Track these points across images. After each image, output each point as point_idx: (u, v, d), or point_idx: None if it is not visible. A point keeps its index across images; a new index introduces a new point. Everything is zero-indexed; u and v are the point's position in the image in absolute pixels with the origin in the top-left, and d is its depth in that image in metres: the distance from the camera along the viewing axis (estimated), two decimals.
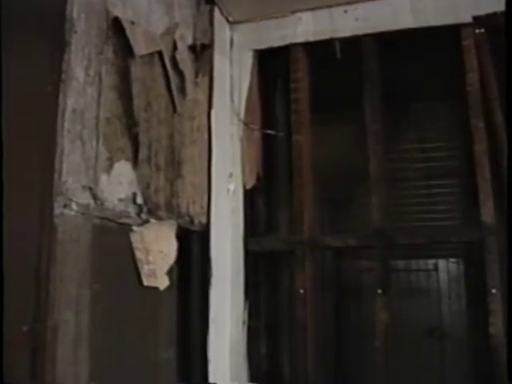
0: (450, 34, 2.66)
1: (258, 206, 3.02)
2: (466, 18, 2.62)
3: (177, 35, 2.44)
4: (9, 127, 1.62)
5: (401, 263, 5.32)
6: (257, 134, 2.94)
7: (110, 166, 1.96)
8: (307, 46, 2.90)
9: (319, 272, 3.52)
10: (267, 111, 3.04)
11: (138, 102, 2.12)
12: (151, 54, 2.26)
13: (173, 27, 2.43)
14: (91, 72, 1.89)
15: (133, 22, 2.11)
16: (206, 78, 2.69)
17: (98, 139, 1.89)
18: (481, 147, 2.55)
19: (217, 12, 2.80)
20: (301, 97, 2.89)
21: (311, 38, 2.87)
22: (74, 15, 1.83)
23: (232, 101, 2.91)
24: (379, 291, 2.58)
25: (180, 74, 2.45)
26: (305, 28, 2.87)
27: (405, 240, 2.70)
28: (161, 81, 2.33)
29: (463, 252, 4.57)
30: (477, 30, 2.63)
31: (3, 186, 1.58)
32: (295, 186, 2.81)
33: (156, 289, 2.18)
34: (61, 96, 1.75)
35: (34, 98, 1.75)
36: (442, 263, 5.46)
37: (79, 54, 1.84)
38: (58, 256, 1.67)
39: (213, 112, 2.69)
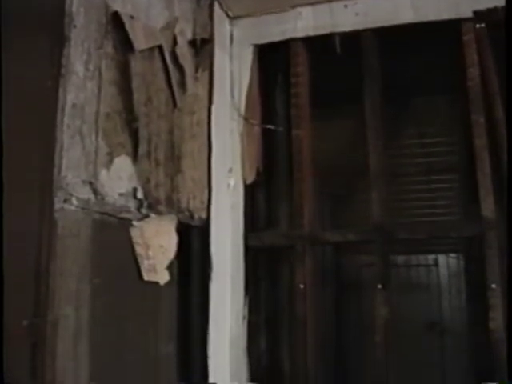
0: (450, 28, 2.65)
1: (258, 201, 3.02)
2: (466, 12, 2.62)
3: (177, 30, 2.44)
4: (8, 123, 1.62)
5: (401, 258, 5.32)
6: (257, 129, 2.94)
7: (110, 161, 1.95)
8: (307, 40, 2.89)
9: (319, 267, 3.52)
10: (267, 106, 3.03)
11: (137, 97, 2.11)
12: (151, 49, 2.25)
13: (173, 21, 2.43)
14: (91, 67, 1.88)
15: (132, 17, 2.10)
16: (206, 73, 2.68)
17: (97, 134, 1.89)
18: (481, 142, 2.54)
19: (217, 6, 2.79)
20: (301, 91, 2.88)
21: (311, 33, 2.86)
22: (74, 9, 1.82)
23: (232, 96, 2.90)
24: (379, 286, 2.58)
25: (180, 69, 2.44)
26: (305, 23, 2.87)
27: (405, 235, 2.70)
28: (161, 75, 2.33)
29: (463, 247, 4.57)
30: (477, 25, 2.62)
31: (3, 182, 1.58)
32: (295, 180, 2.81)
33: (156, 284, 2.18)
34: (60, 91, 1.74)
35: (34, 92, 1.75)
36: (442, 258, 5.46)
37: (79, 48, 1.83)
38: (58, 251, 1.67)
39: (213, 107, 2.69)
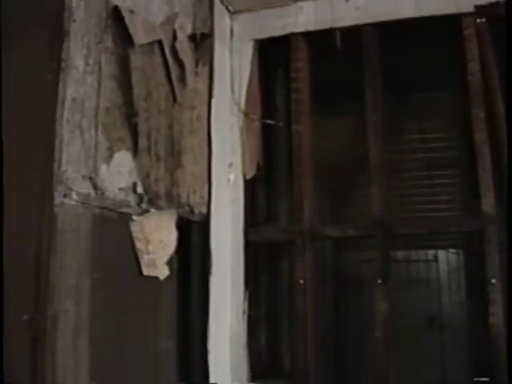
0: (451, 23, 2.65)
1: (258, 196, 3.02)
2: (467, 7, 2.61)
3: (176, 24, 2.43)
4: (8, 118, 1.62)
5: (401, 254, 5.31)
6: (257, 124, 2.94)
7: (110, 156, 1.95)
8: (307, 35, 2.89)
9: (319, 262, 3.52)
10: (267, 101, 3.03)
11: (137, 92, 2.11)
12: (151, 44, 2.25)
13: (172, 16, 2.42)
14: (91, 61, 1.88)
15: (132, 11, 2.10)
16: (206, 68, 2.68)
17: (97, 129, 1.89)
18: (481, 137, 2.54)
19: (217, 1, 2.79)
20: (301, 86, 2.87)
21: (312, 28, 2.85)
22: (73, 3, 1.82)
23: (232, 91, 2.90)
24: (379, 281, 2.58)
25: (180, 64, 2.44)
26: (306, 17, 2.86)
27: (405, 230, 2.70)
28: (161, 70, 2.32)
29: (463, 242, 4.57)
30: (478, 20, 2.61)
31: (3, 177, 1.58)
32: (295, 175, 2.80)
33: (156, 278, 2.18)
34: (60, 85, 1.74)
35: (34, 87, 1.74)
36: (441, 254, 5.45)
37: (78, 42, 1.83)
38: (58, 245, 1.67)
39: (213, 102, 2.68)
